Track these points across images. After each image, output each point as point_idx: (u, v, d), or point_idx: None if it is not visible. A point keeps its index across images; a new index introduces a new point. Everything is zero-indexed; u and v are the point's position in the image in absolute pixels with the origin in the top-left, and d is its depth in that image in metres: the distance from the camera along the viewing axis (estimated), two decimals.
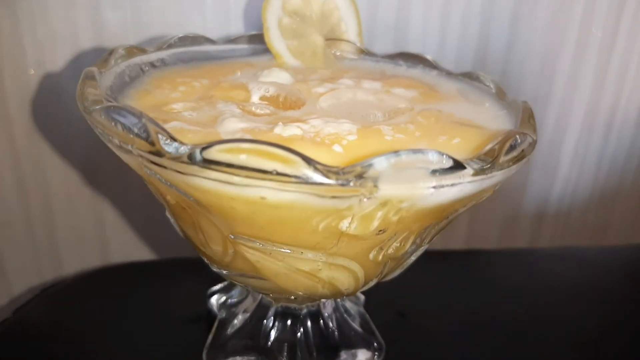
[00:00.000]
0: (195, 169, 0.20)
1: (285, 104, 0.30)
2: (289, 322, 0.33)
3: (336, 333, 0.33)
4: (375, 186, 0.20)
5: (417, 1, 0.46)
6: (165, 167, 0.21)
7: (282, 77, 0.33)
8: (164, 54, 0.34)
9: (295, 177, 0.20)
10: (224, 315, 0.35)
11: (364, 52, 0.39)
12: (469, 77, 0.34)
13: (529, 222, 0.60)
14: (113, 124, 0.22)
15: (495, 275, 0.46)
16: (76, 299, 0.39)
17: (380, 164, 0.20)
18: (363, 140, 0.25)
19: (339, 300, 0.35)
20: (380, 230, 0.22)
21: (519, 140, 0.24)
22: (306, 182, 0.20)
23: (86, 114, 0.23)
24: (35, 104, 0.41)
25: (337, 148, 0.24)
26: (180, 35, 0.36)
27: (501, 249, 0.55)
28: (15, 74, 0.40)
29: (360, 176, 0.20)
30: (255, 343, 0.32)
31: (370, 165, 0.20)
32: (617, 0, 0.50)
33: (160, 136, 0.20)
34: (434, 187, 0.21)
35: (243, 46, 0.38)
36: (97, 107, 0.23)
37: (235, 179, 0.20)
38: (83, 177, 0.44)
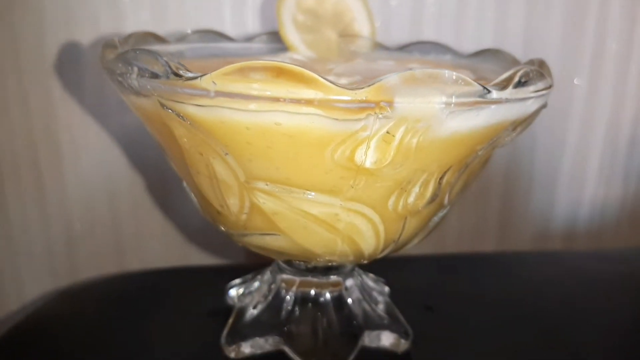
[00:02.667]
0: (209, 94, 0.20)
1: None
2: (309, 306, 0.32)
3: (360, 316, 0.32)
4: (390, 102, 0.20)
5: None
6: (182, 103, 0.21)
7: (297, 57, 0.33)
8: (183, 46, 0.35)
9: (311, 95, 0.19)
10: (242, 304, 0.34)
11: (378, 47, 0.40)
12: (484, 52, 0.34)
13: (559, 242, 0.58)
14: (130, 67, 0.22)
15: (526, 273, 0.44)
16: (92, 300, 0.38)
17: (393, 78, 0.19)
18: None
19: (363, 284, 0.34)
20: (397, 164, 0.22)
21: (531, 74, 0.23)
22: (320, 100, 0.19)
23: (105, 64, 0.24)
24: (55, 86, 0.41)
25: None
26: (200, 30, 0.37)
27: (533, 251, 0.53)
28: (35, 60, 0.40)
29: (373, 91, 0.19)
30: (275, 327, 0.31)
31: (383, 80, 0.19)
32: (630, 11, 0.50)
33: (179, 70, 0.21)
34: (448, 106, 0.20)
35: (261, 45, 0.39)
36: (116, 55, 0.23)
37: (250, 105, 0.20)
38: (101, 173, 0.44)
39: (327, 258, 0.26)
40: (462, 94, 0.20)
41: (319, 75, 0.19)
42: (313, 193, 0.23)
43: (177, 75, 0.21)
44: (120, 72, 0.23)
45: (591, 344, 0.35)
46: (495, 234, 0.55)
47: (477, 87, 0.20)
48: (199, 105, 0.21)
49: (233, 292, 0.35)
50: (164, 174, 0.44)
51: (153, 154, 0.43)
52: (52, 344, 0.34)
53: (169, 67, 0.21)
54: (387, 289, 0.36)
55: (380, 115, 0.20)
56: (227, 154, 0.23)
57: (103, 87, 0.42)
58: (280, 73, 0.20)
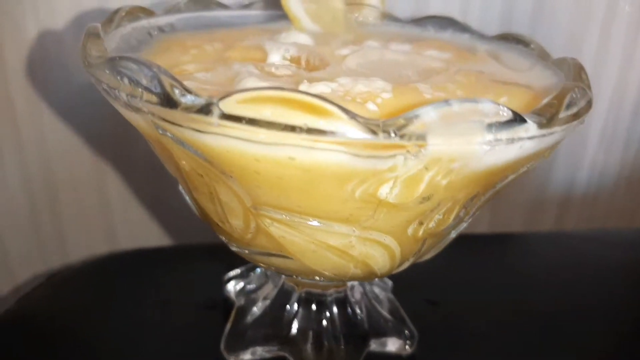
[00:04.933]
0: (213, 124, 0.17)
1: (307, 65, 0.27)
2: (313, 308, 0.30)
3: (365, 320, 0.30)
4: (424, 141, 0.17)
5: None
6: (180, 125, 0.19)
7: (301, 39, 0.30)
8: (173, 18, 0.32)
9: (330, 131, 0.17)
10: (242, 302, 0.32)
11: (388, 17, 0.36)
12: (507, 38, 0.31)
13: (555, 206, 0.57)
14: (119, 77, 0.19)
15: (525, 259, 0.43)
16: (83, 287, 0.37)
17: (429, 114, 0.17)
18: (399, 97, 0.22)
19: (366, 284, 0.32)
20: (424, 198, 0.19)
21: (577, 95, 0.21)
22: (343, 137, 0.17)
23: (89, 69, 0.21)
24: (35, 66, 0.38)
25: (371, 106, 0.21)
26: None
27: (529, 232, 0.52)
28: (14, 35, 0.37)
29: (405, 129, 0.17)
30: (277, 332, 0.30)
31: (417, 116, 0.17)
32: None
33: (174, 89, 0.18)
34: (490, 144, 0.18)
35: (258, 12, 0.36)
36: (102, 60, 0.20)
37: (260, 135, 0.17)
38: (87, 153, 0.41)
39: (337, 278, 0.25)
40: (507, 130, 0.18)
41: (343, 110, 0.17)
42: (327, 222, 0.21)
43: (170, 100, 0.18)
44: (107, 83, 0.20)
45: (596, 330, 0.34)
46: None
47: (524, 123, 0.18)
48: (200, 132, 0.18)
49: (231, 287, 0.34)
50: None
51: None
52: (41, 332, 0.32)
53: (162, 88, 0.18)
54: (390, 283, 0.35)
55: (411, 157, 0.17)
56: (231, 178, 0.20)
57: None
58: (297, 104, 0.17)
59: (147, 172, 0.42)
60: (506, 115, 0.18)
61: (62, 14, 0.37)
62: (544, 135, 0.19)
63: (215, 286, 0.35)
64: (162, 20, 0.31)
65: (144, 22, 0.29)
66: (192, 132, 0.18)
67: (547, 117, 0.19)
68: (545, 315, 0.35)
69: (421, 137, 0.17)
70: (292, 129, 0.17)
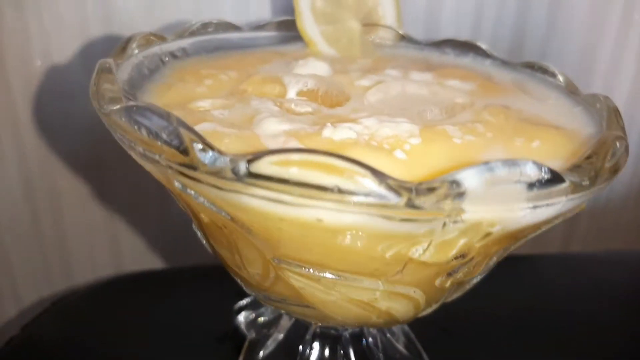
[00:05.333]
0: (238, 184, 0.16)
1: (327, 99, 0.26)
2: (328, 345, 0.29)
3: (381, 357, 0.29)
4: (462, 208, 0.16)
5: None
6: (200, 182, 0.17)
7: (319, 67, 0.29)
8: (185, 42, 0.30)
9: (362, 195, 0.16)
10: (254, 335, 0.31)
11: (405, 39, 0.35)
12: (531, 67, 0.30)
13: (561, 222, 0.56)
14: (136, 127, 0.18)
15: (540, 282, 0.42)
16: (88, 313, 0.36)
17: (471, 180, 0.16)
18: (428, 144, 0.21)
19: None
20: (456, 258, 0.18)
21: (618, 147, 0.20)
22: (376, 201, 0.16)
23: (103, 115, 0.20)
24: (42, 98, 0.37)
25: (399, 154, 0.20)
26: (203, 22, 0.32)
27: (542, 254, 0.51)
28: (20, 65, 0.36)
29: (442, 195, 0.16)
30: None
31: (456, 183, 0.16)
32: None
33: (195, 144, 0.17)
34: (531, 207, 0.17)
35: (272, 33, 0.34)
36: (117, 106, 0.19)
37: (287, 197, 0.16)
38: (93, 179, 0.40)
39: (358, 326, 0.24)
40: (548, 194, 0.17)
41: (376, 174, 0.16)
42: (351, 275, 0.20)
43: (191, 157, 0.17)
44: (123, 128, 0.19)
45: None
46: None
47: (566, 185, 0.17)
48: (223, 189, 0.17)
49: (242, 318, 0.33)
50: None
51: None
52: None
53: (182, 144, 0.17)
54: None
55: (450, 223, 0.16)
56: (251, 232, 0.19)
57: None
58: (329, 168, 0.16)
59: (156, 193, 0.41)
60: (548, 176, 0.17)
61: (71, 44, 0.36)
62: (583, 195, 0.18)
63: (226, 313, 0.34)
64: (174, 45, 0.30)
65: (156, 49, 0.28)
66: (214, 189, 0.17)
67: (589, 176, 0.18)
68: (561, 341, 0.35)
69: (459, 203, 0.16)
70: (322, 190, 0.16)
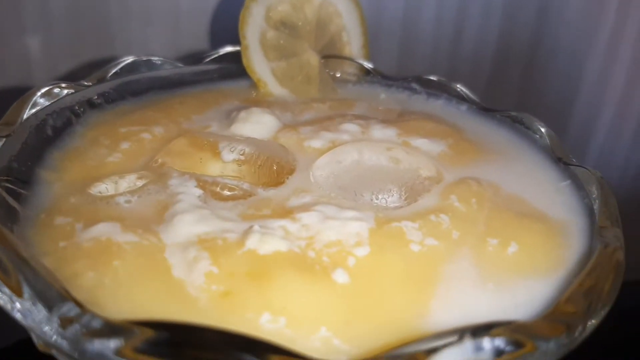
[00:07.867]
0: None
1: (265, 172, 0.21)
2: None
3: None
4: None
5: None
6: None
7: (264, 122, 0.24)
8: (106, 86, 0.26)
9: None
10: None
11: (371, 73, 0.31)
12: (512, 119, 0.26)
13: None
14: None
15: None
16: None
17: None
18: (379, 256, 0.17)
19: None
20: None
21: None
22: None
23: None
24: None
25: (340, 277, 0.16)
26: (129, 59, 0.27)
27: None
28: None
29: None
30: None
31: None
32: None
33: None
34: None
35: (212, 67, 0.30)
36: None
37: None
38: None
39: None
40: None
41: None
42: None
43: None
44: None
45: None
46: None
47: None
48: None
49: None
50: None
51: None
52: None
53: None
54: None
55: None
56: None
57: None
58: None
59: None
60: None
61: None
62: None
63: None
64: (92, 91, 0.25)
65: (68, 100, 0.24)
66: None
67: (569, 334, 0.14)
68: None
69: None
70: None
